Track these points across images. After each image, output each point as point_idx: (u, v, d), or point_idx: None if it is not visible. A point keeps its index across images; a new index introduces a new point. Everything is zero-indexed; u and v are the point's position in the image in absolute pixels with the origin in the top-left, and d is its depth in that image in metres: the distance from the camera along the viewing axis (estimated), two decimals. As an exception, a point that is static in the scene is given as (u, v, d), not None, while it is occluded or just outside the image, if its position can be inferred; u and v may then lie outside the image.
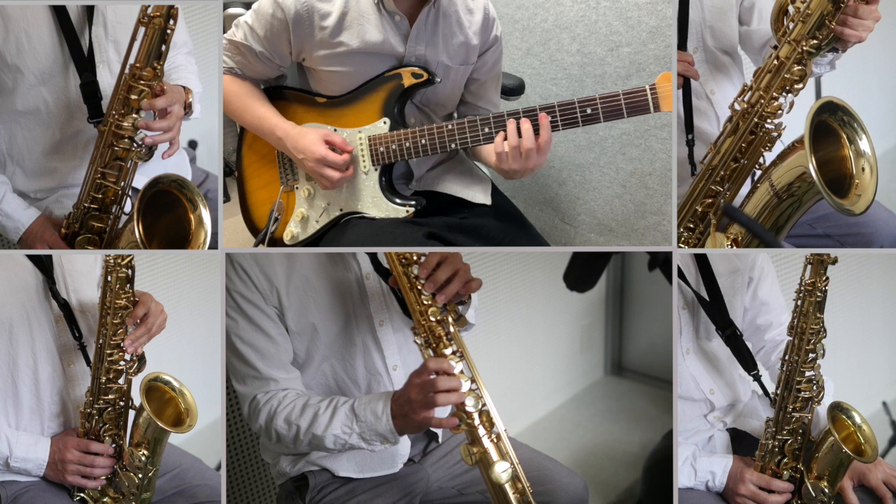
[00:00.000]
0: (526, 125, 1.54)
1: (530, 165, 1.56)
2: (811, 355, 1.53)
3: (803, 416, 1.55)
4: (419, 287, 1.42)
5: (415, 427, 1.45)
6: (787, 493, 1.57)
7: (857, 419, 1.55)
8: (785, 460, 1.57)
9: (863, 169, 1.51)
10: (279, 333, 1.56)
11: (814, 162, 1.43)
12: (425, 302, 1.41)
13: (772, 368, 1.73)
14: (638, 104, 1.51)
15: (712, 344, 1.72)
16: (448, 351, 1.41)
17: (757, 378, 1.70)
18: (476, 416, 1.39)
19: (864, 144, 1.51)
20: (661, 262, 1.67)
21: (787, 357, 1.56)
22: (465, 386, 1.38)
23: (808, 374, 1.54)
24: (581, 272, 1.72)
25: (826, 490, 1.54)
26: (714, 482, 1.59)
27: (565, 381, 3.04)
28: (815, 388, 1.55)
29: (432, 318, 1.41)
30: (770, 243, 1.54)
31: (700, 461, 1.60)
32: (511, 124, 1.55)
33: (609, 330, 3.15)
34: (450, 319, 1.43)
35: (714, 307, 1.67)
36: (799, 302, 1.53)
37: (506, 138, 1.56)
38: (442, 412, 1.40)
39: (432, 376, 1.37)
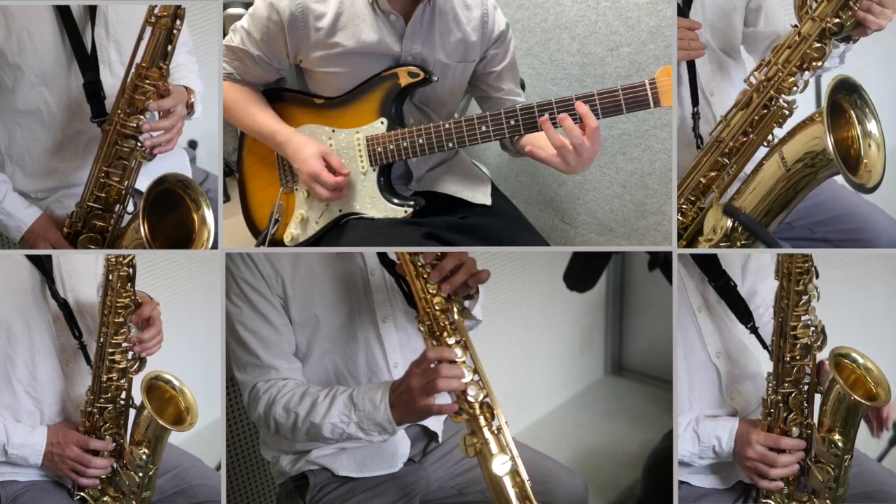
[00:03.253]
0: (567, 122, 1.49)
1: (587, 155, 1.50)
2: (803, 297, 1.46)
3: (804, 365, 1.47)
4: (425, 276, 1.42)
5: (415, 415, 1.43)
6: (800, 451, 1.48)
7: (862, 361, 1.47)
8: (792, 415, 1.48)
9: (869, 146, 1.47)
10: (282, 323, 1.56)
11: (831, 136, 1.40)
12: (431, 290, 1.42)
13: (765, 327, 1.63)
14: (637, 99, 1.49)
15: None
16: (451, 340, 1.40)
17: (754, 330, 1.62)
18: (477, 406, 1.38)
19: (872, 126, 1.48)
20: (661, 262, 1.66)
21: (778, 303, 1.48)
22: (468, 376, 1.38)
23: (803, 318, 1.46)
24: (581, 272, 1.72)
25: (840, 444, 1.45)
26: (721, 446, 1.51)
27: (565, 381, 3.04)
28: (812, 333, 1.46)
29: (437, 307, 1.41)
30: (770, 243, 1.54)
31: (703, 425, 1.52)
32: (566, 119, 1.49)
33: (609, 330, 3.15)
34: (454, 309, 1.43)
35: (707, 260, 1.60)
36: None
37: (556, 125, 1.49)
38: (441, 399, 1.39)
39: (433, 365, 1.37)
